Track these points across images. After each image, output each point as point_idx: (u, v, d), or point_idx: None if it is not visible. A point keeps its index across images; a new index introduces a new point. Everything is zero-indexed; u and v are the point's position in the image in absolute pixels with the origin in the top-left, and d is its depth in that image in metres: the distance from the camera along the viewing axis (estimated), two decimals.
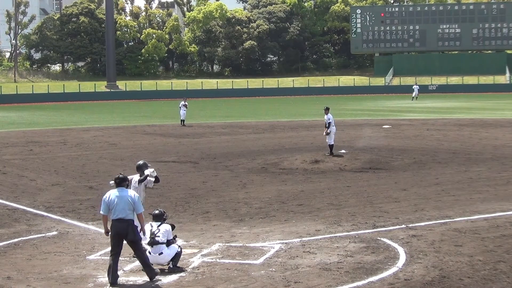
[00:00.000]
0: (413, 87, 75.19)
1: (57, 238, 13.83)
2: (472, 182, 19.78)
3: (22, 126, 44.37)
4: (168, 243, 11.27)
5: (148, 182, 12.72)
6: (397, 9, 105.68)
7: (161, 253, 11.17)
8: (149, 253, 11.10)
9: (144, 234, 11.07)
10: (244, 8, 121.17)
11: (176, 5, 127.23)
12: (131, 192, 10.92)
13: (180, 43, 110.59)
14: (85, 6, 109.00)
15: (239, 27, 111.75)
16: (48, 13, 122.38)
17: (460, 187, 18.94)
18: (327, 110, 26.32)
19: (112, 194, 10.77)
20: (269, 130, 38.98)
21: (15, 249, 12.96)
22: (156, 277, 10.71)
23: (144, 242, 11.17)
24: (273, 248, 12.46)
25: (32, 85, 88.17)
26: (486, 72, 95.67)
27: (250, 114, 53.58)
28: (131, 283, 10.69)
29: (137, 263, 11.45)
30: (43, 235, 14.10)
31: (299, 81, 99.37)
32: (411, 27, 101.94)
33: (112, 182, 12.09)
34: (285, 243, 12.84)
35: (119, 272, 10.75)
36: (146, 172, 12.76)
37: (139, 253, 10.78)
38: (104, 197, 10.85)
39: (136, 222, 10.89)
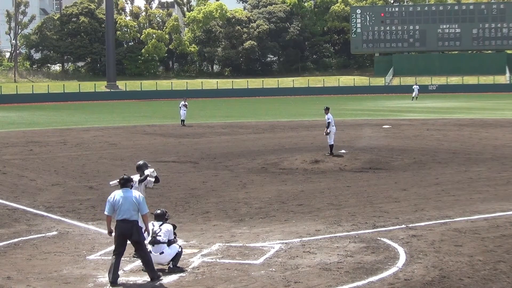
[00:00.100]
0: (413, 87, 75.15)
1: (57, 238, 13.83)
2: (472, 182, 19.78)
3: (22, 126, 44.35)
4: (169, 242, 11.30)
5: (148, 182, 12.71)
6: (397, 9, 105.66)
7: (162, 252, 11.20)
8: (150, 252, 11.11)
9: (148, 234, 11.13)
10: (244, 8, 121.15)
11: (176, 5, 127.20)
12: (136, 193, 10.93)
13: (180, 43, 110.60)
14: (85, 6, 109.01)
15: (239, 27, 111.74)
16: (48, 13, 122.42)
17: (460, 187, 18.94)
18: (327, 110, 26.34)
19: (117, 194, 10.80)
20: (269, 130, 38.97)
21: (15, 249, 12.96)
22: (157, 280, 10.65)
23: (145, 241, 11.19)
24: (273, 248, 12.46)
25: (32, 85, 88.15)
26: (486, 72, 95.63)
27: (250, 114, 53.56)
28: (131, 283, 10.69)
29: (137, 263, 11.47)
30: (43, 235, 14.10)
31: (299, 81, 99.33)
32: (411, 27, 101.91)
33: (112, 182, 12.11)
34: (285, 243, 12.83)
35: (119, 272, 10.75)
36: (146, 172, 12.75)
37: (143, 254, 10.79)
38: (109, 197, 10.87)
39: (141, 223, 10.91)
